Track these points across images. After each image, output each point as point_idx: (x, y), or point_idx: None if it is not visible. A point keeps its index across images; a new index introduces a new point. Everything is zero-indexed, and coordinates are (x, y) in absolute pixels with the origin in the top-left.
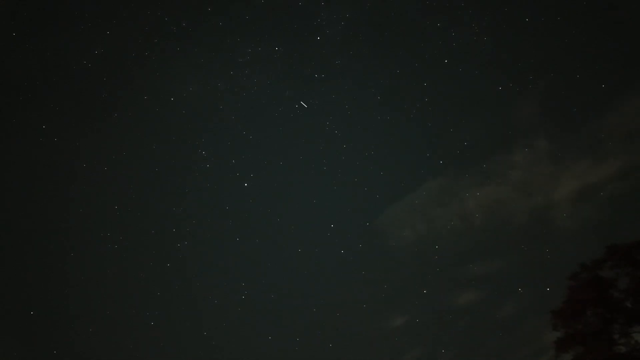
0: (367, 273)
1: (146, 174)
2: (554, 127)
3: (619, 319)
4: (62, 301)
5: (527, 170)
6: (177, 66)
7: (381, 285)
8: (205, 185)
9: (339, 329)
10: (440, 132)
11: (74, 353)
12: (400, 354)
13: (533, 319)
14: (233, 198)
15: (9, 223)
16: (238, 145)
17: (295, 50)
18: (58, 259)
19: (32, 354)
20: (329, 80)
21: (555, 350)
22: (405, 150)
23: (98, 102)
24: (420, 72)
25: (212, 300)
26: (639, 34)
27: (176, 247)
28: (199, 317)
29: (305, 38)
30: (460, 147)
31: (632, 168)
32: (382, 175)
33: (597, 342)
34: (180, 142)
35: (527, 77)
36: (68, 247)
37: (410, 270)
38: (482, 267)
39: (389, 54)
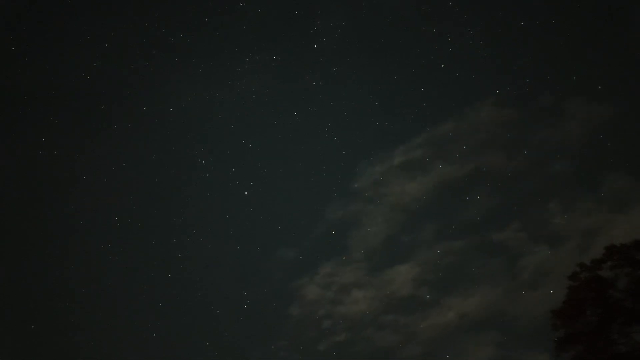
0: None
1: (146, 185)
2: None
3: (619, 318)
4: (62, 313)
5: None
6: (175, 77)
7: None
8: (205, 195)
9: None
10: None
11: None
12: None
13: None
14: (233, 207)
15: (8, 235)
16: (237, 154)
17: (293, 58)
18: (58, 271)
19: None
20: (327, 88)
21: (555, 350)
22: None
23: (97, 114)
24: (417, 77)
25: (213, 309)
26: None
27: (177, 257)
28: (201, 327)
29: (302, 46)
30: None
31: None
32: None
33: (597, 342)
34: (179, 152)
35: (525, 80)
36: (68, 259)
37: None
38: None
39: (386, 60)
